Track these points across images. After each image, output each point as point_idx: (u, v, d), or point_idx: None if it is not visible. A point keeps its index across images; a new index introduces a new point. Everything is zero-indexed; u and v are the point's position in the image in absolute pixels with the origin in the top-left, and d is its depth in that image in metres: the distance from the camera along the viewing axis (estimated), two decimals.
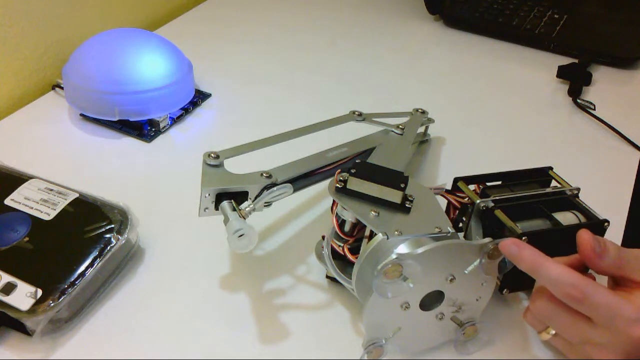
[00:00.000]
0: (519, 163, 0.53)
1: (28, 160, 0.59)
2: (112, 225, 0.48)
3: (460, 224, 0.49)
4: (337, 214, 0.44)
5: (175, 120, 0.68)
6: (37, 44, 0.73)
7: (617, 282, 0.42)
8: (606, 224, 0.46)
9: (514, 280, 0.47)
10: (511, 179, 0.50)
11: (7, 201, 0.50)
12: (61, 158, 0.62)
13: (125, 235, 0.48)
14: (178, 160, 0.63)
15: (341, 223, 0.44)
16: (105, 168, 0.61)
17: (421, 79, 0.79)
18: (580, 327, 0.39)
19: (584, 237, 0.41)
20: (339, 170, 0.43)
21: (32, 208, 0.49)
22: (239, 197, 0.46)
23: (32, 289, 0.43)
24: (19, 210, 0.49)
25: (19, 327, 0.44)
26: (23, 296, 0.43)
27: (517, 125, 0.70)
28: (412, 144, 0.57)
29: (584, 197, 0.49)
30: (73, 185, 0.52)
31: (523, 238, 0.43)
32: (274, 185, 0.47)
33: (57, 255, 0.46)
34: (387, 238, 0.40)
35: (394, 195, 0.42)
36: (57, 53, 0.75)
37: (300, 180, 0.49)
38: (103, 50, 0.64)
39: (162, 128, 0.66)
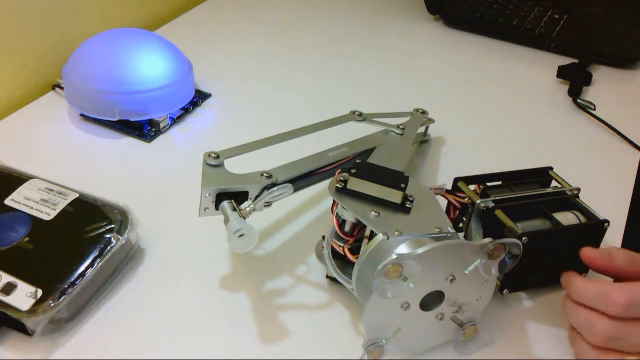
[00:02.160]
0: (519, 163, 0.53)
1: (28, 160, 0.59)
2: (112, 225, 0.48)
3: (460, 224, 0.49)
4: (337, 214, 0.44)
5: (175, 120, 0.68)
6: (37, 44, 0.73)
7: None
8: (606, 224, 0.46)
9: (514, 280, 0.47)
10: (511, 179, 0.50)
11: (7, 201, 0.50)
12: (61, 158, 0.62)
13: (125, 235, 0.48)
14: (178, 160, 0.63)
15: (341, 223, 0.44)
16: (105, 168, 0.61)
17: (421, 79, 0.79)
18: None
19: (587, 253, 0.43)
20: (339, 170, 0.43)
21: (32, 208, 0.49)
22: (239, 197, 0.46)
23: (32, 289, 0.43)
24: (19, 210, 0.49)
25: (19, 327, 0.44)
26: (23, 296, 0.43)
27: (517, 125, 0.70)
28: (412, 144, 0.57)
29: (584, 197, 0.49)
30: (73, 185, 0.52)
31: (523, 238, 0.43)
32: (274, 185, 0.47)
33: (57, 255, 0.46)
34: (387, 238, 0.40)
35: (394, 195, 0.42)
36: (57, 53, 0.75)
37: (300, 180, 0.49)
38: (103, 50, 0.64)
39: (162, 128, 0.66)
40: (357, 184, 0.42)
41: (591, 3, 0.95)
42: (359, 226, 0.44)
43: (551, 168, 0.52)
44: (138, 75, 0.63)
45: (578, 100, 0.73)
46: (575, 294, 0.42)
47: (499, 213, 0.46)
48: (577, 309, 0.42)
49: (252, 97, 0.74)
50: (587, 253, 0.43)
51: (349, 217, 0.43)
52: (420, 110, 0.62)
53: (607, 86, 0.78)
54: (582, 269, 0.49)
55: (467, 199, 0.48)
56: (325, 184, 0.47)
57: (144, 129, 0.66)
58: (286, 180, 0.48)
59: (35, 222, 0.48)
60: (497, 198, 0.47)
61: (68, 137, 0.65)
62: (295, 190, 0.48)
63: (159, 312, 0.47)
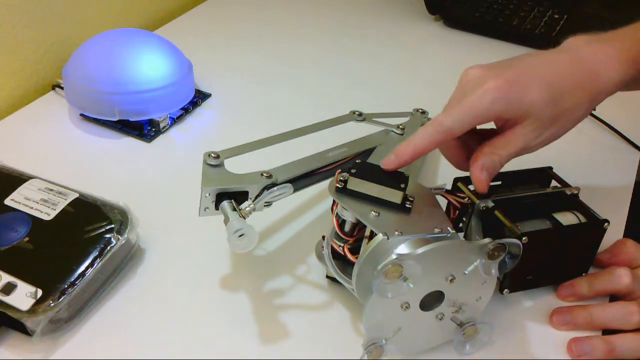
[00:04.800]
0: (519, 163, 0.53)
1: (28, 160, 0.59)
2: (112, 225, 0.48)
3: (460, 224, 0.49)
4: (337, 214, 0.44)
5: (175, 120, 0.68)
6: (37, 44, 0.73)
7: None
8: (606, 224, 0.46)
9: (514, 280, 0.47)
10: (511, 179, 0.50)
11: (7, 201, 0.50)
12: (61, 158, 0.62)
13: (125, 235, 0.48)
14: (178, 160, 0.63)
15: (341, 223, 0.44)
16: (105, 168, 0.61)
17: (421, 79, 0.79)
18: None
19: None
20: (339, 170, 0.43)
21: (32, 208, 0.49)
22: (239, 197, 0.46)
23: (32, 289, 0.43)
24: (19, 210, 0.49)
25: (19, 327, 0.44)
26: (23, 296, 0.43)
27: None
28: None
29: (584, 197, 0.49)
30: (73, 185, 0.52)
31: (523, 238, 0.43)
32: (274, 185, 0.47)
33: (57, 255, 0.46)
34: (388, 238, 0.40)
35: (394, 195, 0.42)
36: (57, 53, 0.75)
37: (301, 180, 0.49)
38: (103, 50, 0.64)
39: (162, 128, 0.66)
40: (357, 184, 0.42)
41: (591, 3, 0.95)
42: (359, 226, 0.44)
43: (551, 168, 0.52)
44: (138, 75, 0.63)
45: None
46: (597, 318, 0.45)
47: (498, 213, 0.46)
48: (607, 305, 0.46)
49: (252, 97, 0.73)
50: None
51: (349, 217, 0.43)
52: (420, 111, 0.62)
53: None
54: (582, 269, 0.49)
55: (467, 199, 0.48)
56: (325, 184, 0.47)
57: (144, 129, 0.66)
58: (286, 180, 0.48)
59: (35, 222, 0.48)
60: (497, 198, 0.47)
61: (68, 137, 0.65)
62: (295, 190, 0.48)
63: (158, 312, 0.47)
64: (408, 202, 0.42)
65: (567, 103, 0.43)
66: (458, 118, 0.42)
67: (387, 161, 0.43)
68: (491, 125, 0.46)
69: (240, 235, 0.42)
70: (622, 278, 0.46)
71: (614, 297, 0.48)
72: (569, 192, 0.49)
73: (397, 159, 0.43)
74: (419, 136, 0.43)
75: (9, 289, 0.44)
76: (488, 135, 0.45)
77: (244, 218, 0.44)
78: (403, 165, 0.43)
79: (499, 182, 0.50)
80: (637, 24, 0.48)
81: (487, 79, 0.42)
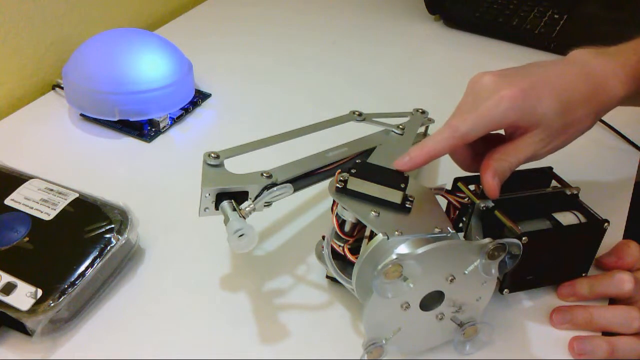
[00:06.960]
0: None
1: (28, 160, 0.59)
2: (112, 225, 0.48)
3: (461, 224, 0.49)
4: (337, 214, 0.44)
5: (175, 120, 0.68)
6: (37, 44, 0.73)
7: None
8: (606, 224, 0.46)
9: (514, 280, 0.47)
10: (511, 178, 0.50)
11: (7, 201, 0.50)
12: (61, 158, 0.62)
13: (125, 235, 0.48)
14: (178, 160, 0.63)
15: (341, 223, 0.44)
16: (105, 168, 0.61)
17: (421, 79, 0.79)
18: None
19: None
20: (339, 170, 0.43)
21: (32, 208, 0.49)
22: (239, 197, 0.46)
23: (32, 289, 0.43)
24: (19, 210, 0.49)
25: (19, 327, 0.44)
26: (23, 296, 0.43)
27: None
28: (412, 144, 0.57)
29: (584, 197, 0.49)
30: (73, 185, 0.52)
31: (523, 238, 0.43)
32: (274, 185, 0.47)
33: (57, 255, 0.46)
34: (388, 238, 0.40)
35: (394, 196, 0.42)
36: (57, 53, 0.75)
37: (300, 180, 0.49)
38: (103, 50, 0.64)
39: (162, 128, 0.66)
40: (357, 184, 0.42)
41: (591, 3, 0.95)
42: (359, 226, 0.44)
43: (551, 168, 0.52)
44: (138, 75, 0.63)
45: None
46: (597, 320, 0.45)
47: (498, 213, 0.46)
48: (609, 307, 0.46)
49: (252, 97, 0.74)
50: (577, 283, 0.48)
51: (349, 217, 0.43)
52: (420, 110, 0.61)
53: None
54: (582, 269, 0.49)
55: (467, 199, 0.48)
56: (325, 184, 0.47)
57: (144, 129, 0.66)
58: (286, 180, 0.48)
59: (35, 222, 0.48)
60: (497, 198, 0.47)
61: (68, 137, 0.65)
62: (295, 190, 0.48)
63: (158, 312, 0.47)
64: (408, 202, 0.42)
65: (576, 114, 0.44)
66: (474, 124, 0.43)
67: (400, 162, 0.44)
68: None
69: (240, 235, 0.42)
70: (624, 283, 0.46)
71: (612, 298, 0.48)
72: (569, 192, 0.49)
73: (411, 160, 0.43)
74: (434, 140, 0.44)
75: (9, 289, 0.44)
76: (492, 139, 0.46)
77: (244, 218, 0.44)
78: (417, 167, 0.44)
79: None
80: (638, 40, 0.48)
81: (502, 87, 0.43)
